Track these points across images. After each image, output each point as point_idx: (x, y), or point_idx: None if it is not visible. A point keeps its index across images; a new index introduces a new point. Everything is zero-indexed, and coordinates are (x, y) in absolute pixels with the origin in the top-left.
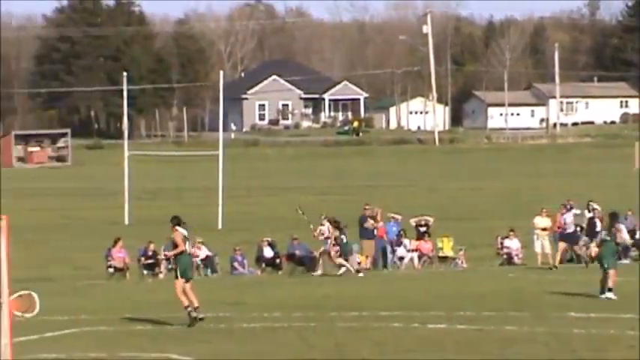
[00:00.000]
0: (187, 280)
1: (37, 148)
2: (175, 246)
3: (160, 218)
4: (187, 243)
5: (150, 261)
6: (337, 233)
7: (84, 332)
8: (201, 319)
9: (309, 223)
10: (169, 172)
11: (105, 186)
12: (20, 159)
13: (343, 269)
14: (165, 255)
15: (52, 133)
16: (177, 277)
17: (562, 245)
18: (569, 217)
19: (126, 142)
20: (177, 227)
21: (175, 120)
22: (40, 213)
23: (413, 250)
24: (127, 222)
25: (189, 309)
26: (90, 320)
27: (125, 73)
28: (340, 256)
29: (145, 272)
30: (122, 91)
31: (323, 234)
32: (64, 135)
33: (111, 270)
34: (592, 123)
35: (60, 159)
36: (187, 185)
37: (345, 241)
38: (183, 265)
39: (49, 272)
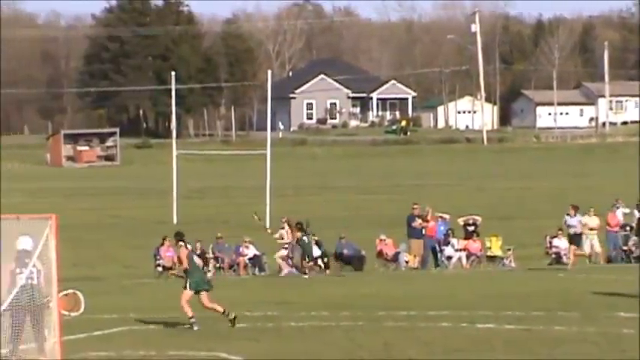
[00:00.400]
0: (207, 291)
1: (86, 148)
2: (180, 262)
3: (208, 217)
4: (194, 257)
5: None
6: (299, 234)
7: (132, 331)
8: (233, 319)
9: (267, 229)
10: (217, 171)
11: (153, 185)
12: (69, 158)
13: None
14: (173, 274)
15: (100, 132)
16: (185, 288)
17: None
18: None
19: (174, 141)
20: (181, 243)
21: (223, 119)
22: (89, 212)
23: (461, 250)
24: (175, 221)
25: (193, 320)
26: (138, 319)
27: (173, 73)
28: (304, 258)
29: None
30: (170, 90)
31: (282, 238)
32: (112, 134)
33: (159, 269)
34: None
35: (108, 158)
36: (235, 184)
37: (307, 241)
38: (195, 279)
39: (97, 271)
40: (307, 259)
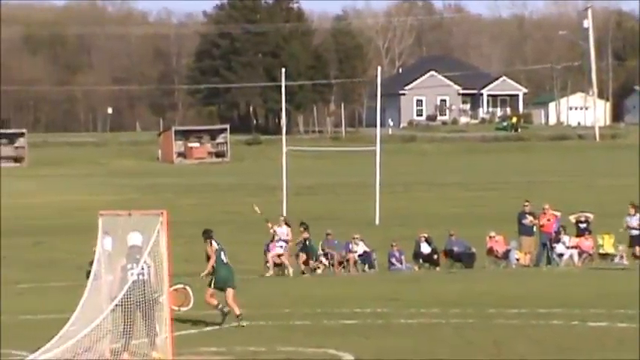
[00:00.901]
0: (233, 288)
1: (197, 144)
2: (209, 259)
3: (318, 214)
4: (223, 253)
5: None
6: (307, 235)
7: (242, 326)
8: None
9: (267, 221)
10: (327, 167)
11: (263, 181)
12: (180, 154)
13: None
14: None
15: (211, 129)
16: (209, 286)
17: None
18: None
19: (284, 137)
20: (211, 240)
21: (333, 116)
22: (200, 208)
23: (572, 247)
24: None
25: (220, 306)
26: (249, 315)
27: (283, 70)
28: (311, 258)
29: (304, 267)
30: (280, 87)
31: (279, 236)
32: (223, 131)
33: (269, 265)
34: None
35: (219, 154)
36: (344, 181)
37: (312, 242)
38: (222, 277)
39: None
40: (314, 259)
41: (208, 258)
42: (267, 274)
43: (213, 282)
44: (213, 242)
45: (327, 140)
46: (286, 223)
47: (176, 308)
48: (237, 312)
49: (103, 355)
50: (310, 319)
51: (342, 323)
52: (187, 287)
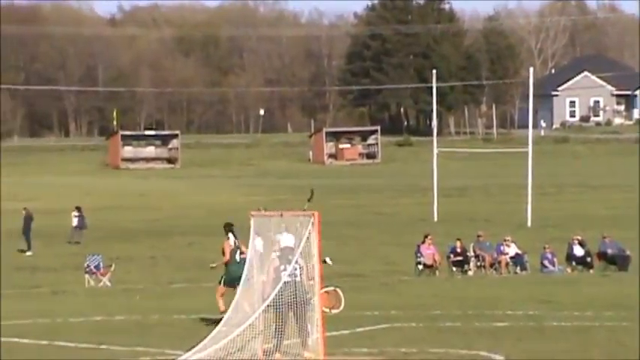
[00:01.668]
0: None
1: (348, 145)
2: (224, 254)
3: (469, 215)
4: (238, 252)
5: (459, 258)
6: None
7: (394, 328)
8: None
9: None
10: (478, 169)
11: (414, 182)
12: (331, 156)
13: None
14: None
15: (362, 130)
16: (220, 283)
17: None
18: None
19: (435, 139)
20: (230, 235)
21: (484, 117)
22: (351, 209)
23: None
24: (435, 218)
25: (223, 316)
26: (400, 316)
27: (434, 71)
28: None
29: (454, 269)
30: (431, 88)
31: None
32: (374, 132)
33: (420, 266)
34: None
35: (370, 156)
36: (496, 182)
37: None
38: (231, 274)
39: (358, 268)
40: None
41: (224, 252)
42: (418, 276)
43: (223, 279)
44: (231, 237)
45: (479, 142)
46: None
47: (327, 310)
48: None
49: (256, 354)
50: (461, 320)
51: (493, 325)
52: (338, 290)
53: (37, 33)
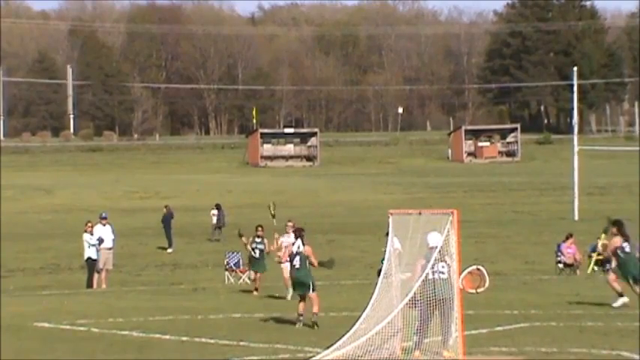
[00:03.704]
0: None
1: (487, 143)
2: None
3: (610, 213)
4: (297, 257)
5: (599, 257)
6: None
7: (534, 327)
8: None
9: (274, 232)
10: (619, 167)
11: (554, 181)
12: (470, 154)
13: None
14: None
15: (501, 128)
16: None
17: None
18: None
19: (575, 137)
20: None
21: (626, 115)
22: (490, 207)
23: None
24: (576, 217)
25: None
26: (540, 315)
27: (575, 68)
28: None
29: (595, 268)
30: (572, 86)
31: (281, 249)
32: (513, 130)
33: (560, 265)
34: None
35: (509, 154)
36: (638, 181)
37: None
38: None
39: (498, 266)
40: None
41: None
42: (558, 275)
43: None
44: (298, 241)
45: (620, 139)
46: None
47: (472, 291)
48: (301, 311)
49: (394, 352)
50: (603, 320)
51: (636, 325)
52: (481, 268)
53: (178, 32)
